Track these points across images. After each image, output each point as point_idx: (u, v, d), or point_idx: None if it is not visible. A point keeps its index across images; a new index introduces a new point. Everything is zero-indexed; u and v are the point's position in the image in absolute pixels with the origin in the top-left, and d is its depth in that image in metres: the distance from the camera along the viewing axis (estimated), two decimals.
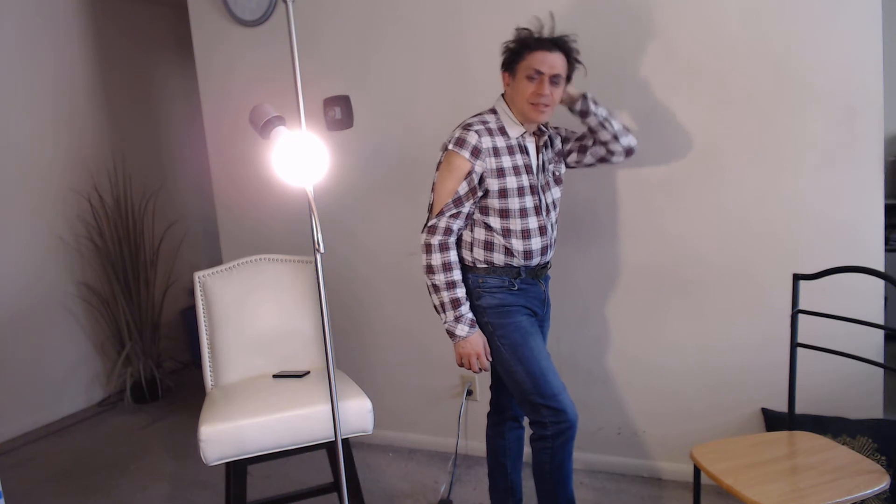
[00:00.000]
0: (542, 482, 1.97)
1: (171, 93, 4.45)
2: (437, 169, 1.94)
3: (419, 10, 2.66)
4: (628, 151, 2.06)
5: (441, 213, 1.88)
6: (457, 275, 1.89)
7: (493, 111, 1.97)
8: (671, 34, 2.30)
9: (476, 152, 1.86)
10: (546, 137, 2.01)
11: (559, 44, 1.89)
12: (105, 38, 3.99)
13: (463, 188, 1.87)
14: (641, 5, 2.32)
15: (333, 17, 2.81)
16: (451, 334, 1.91)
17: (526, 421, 2.22)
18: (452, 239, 1.90)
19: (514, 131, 1.93)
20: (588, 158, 2.07)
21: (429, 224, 1.90)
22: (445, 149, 1.92)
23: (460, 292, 1.89)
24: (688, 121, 2.33)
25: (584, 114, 2.00)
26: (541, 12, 2.42)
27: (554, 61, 1.86)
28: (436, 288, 1.89)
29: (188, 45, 3.28)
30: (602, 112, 2.00)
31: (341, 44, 2.82)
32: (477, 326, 1.92)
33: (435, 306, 1.92)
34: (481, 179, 1.88)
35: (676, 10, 2.28)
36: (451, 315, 1.89)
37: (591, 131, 2.03)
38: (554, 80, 1.87)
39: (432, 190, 1.95)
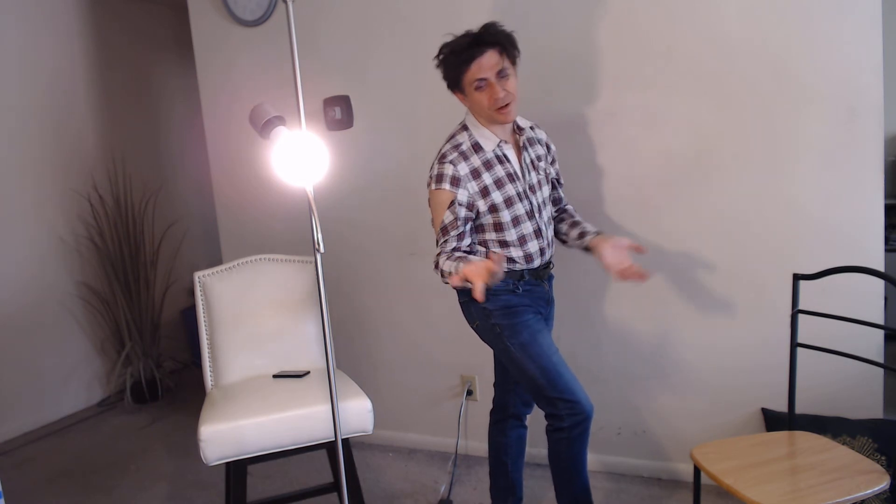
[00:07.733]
0: (560, 471, 1.99)
1: (171, 93, 4.45)
2: (429, 205, 1.95)
3: (419, 11, 2.66)
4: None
5: (445, 241, 1.89)
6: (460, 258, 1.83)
7: (465, 127, 1.96)
8: (671, 35, 2.30)
9: (455, 181, 1.87)
10: (525, 137, 1.99)
11: (485, 41, 1.83)
12: (105, 38, 3.99)
13: (461, 213, 1.88)
14: (641, 6, 2.32)
15: (333, 17, 2.81)
16: (456, 283, 1.75)
17: (528, 419, 2.23)
18: (459, 253, 1.89)
19: (489, 144, 1.92)
20: None
21: (437, 252, 1.91)
22: (429, 185, 1.93)
23: (460, 262, 1.79)
24: (688, 121, 2.33)
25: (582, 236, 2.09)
26: (537, 12, 2.43)
27: (490, 61, 1.83)
28: (446, 273, 1.81)
29: (188, 45, 3.28)
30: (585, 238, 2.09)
31: (341, 44, 2.82)
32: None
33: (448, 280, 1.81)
34: (471, 202, 1.89)
35: (676, 11, 2.28)
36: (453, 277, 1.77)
37: (571, 225, 2.13)
38: (500, 74, 1.85)
39: (432, 223, 1.97)
